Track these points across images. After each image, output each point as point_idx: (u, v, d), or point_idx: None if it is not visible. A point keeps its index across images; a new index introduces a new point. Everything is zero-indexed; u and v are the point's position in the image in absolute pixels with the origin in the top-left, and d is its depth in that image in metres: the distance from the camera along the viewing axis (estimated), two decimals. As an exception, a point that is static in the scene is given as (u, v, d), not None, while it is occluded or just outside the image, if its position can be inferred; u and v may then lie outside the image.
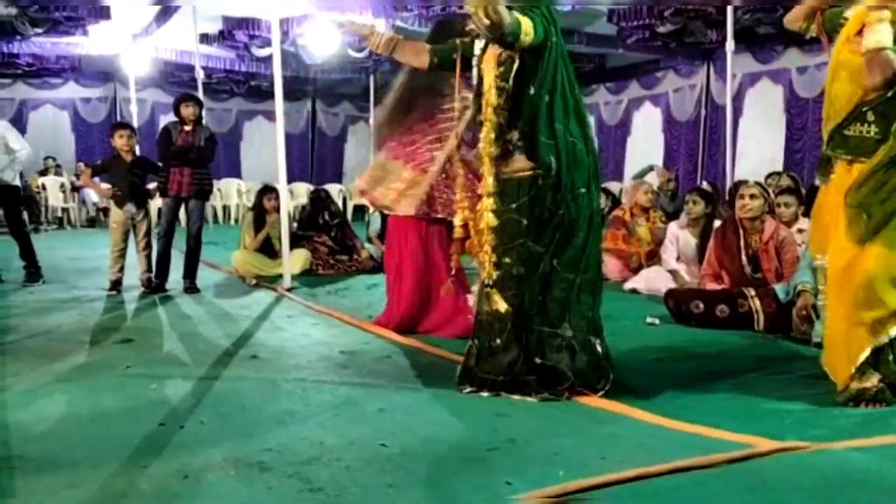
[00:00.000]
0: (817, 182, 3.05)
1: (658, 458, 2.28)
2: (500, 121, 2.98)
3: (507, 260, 2.99)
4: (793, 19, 3.09)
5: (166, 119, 10.06)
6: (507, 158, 3.00)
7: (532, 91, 2.93)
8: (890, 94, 2.62)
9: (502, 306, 2.98)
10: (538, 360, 2.99)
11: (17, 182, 6.33)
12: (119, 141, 5.75)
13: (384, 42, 3.54)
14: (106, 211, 10.24)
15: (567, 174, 2.96)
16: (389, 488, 2.14)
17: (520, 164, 2.99)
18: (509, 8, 2.78)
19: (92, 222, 13.13)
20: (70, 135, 14.04)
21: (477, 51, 3.19)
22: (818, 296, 3.45)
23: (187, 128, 5.72)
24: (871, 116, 2.68)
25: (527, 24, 2.81)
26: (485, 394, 3.02)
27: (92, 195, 12.77)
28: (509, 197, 2.99)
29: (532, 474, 2.21)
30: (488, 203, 3.00)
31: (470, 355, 3.13)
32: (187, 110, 5.76)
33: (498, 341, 3.03)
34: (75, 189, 12.76)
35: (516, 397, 2.97)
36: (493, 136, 2.98)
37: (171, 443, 2.53)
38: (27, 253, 6.24)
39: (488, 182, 3.01)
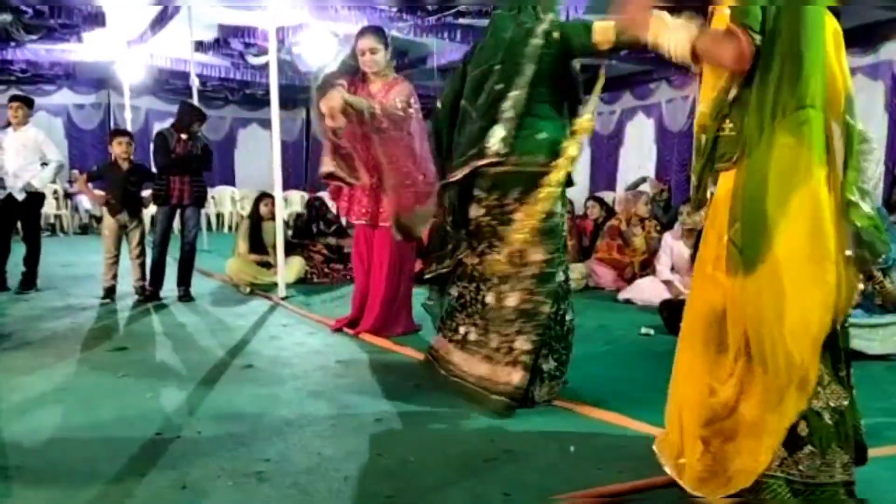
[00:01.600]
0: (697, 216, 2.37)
1: (655, 469, 2.28)
2: None
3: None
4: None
5: (160, 126, 10.04)
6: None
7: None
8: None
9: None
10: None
11: (44, 190, 6.39)
12: (118, 148, 5.75)
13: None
14: (99, 218, 10.20)
15: None
16: (388, 499, 2.14)
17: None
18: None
19: (84, 229, 13.09)
20: (63, 141, 13.96)
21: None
22: None
23: (184, 136, 5.72)
24: (726, 109, 2.09)
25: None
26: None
27: (85, 202, 12.73)
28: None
29: (530, 485, 2.22)
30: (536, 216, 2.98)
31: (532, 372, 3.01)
32: (198, 126, 5.80)
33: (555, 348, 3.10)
34: (68, 196, 12.72)
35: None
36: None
37: (167, 452, 2.53)
38: (32, 261, 6.22)
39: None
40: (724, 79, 2.04)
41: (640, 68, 12.05)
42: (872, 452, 2.44)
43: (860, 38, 8.68)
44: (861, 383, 2.50)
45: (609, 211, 7.80)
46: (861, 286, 4.17)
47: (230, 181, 15.16)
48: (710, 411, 2.03)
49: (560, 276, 3.02)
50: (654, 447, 2.30)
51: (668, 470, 2.19)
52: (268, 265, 6.64)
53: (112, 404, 3.08)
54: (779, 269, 1.90)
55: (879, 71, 9.00)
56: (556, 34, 2.96)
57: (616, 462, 2.41)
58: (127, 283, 5.83)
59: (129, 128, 10.42)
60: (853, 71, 9.12)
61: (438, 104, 3.23)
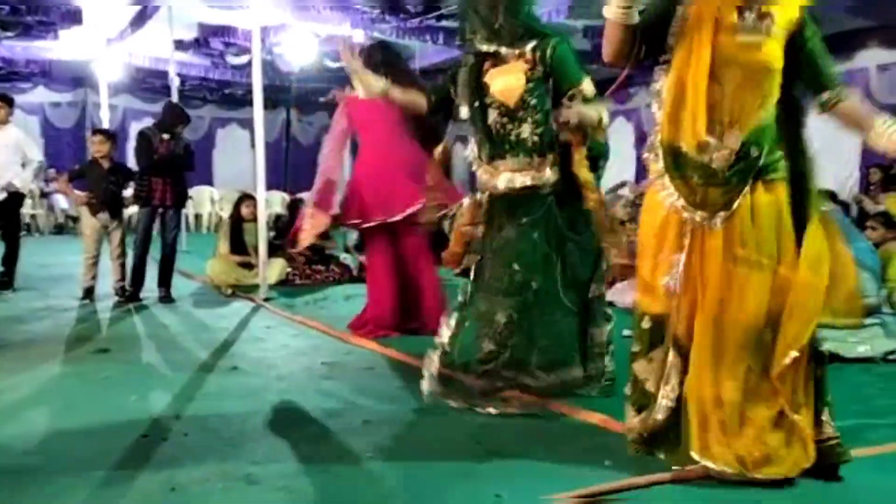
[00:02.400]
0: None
1: (640, 469, 2.32)
2: None
3: None
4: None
5: (137, 125, 9.95)
6: None
7: None
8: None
9: None
10: None
11: (25, 190, 6.33)
12: (95, 147, 5.70)
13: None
14: (75, 218, 10.08)
15: None
16: (379, 501, 2.16)
17: None
18: None
19: (60, 229, 12.92)
20: (39, 140, 13.78)
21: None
22: None
23: (166, 136, 5.68)
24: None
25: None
26: None
27: (60, 201, 12.57)
28: None
29: (520, 486, 2.24)
30: None
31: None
32: (181, 128, 5.77)
33: None
34: (44, 195, 12.56)
35: None
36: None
37: (155, 455, 2.52)
38: (10, 260, 6.16)
39: None
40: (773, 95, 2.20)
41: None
42: (860, 452, 2.49)
43: (837, 46, 8.81)
44: (838, 386, 2.57)
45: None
46: None
47: (209, 181, 15.02)
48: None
49: None
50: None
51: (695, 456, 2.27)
52: (249, 266, 6.60)
53: (97, 407, 3.06)
54: None
55: (855, 78, 9.16)
56: None
57: (602, 462, 2.43)
58: (106, 284, 5.78)
59: (105, 127, 10.31)
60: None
61: None
